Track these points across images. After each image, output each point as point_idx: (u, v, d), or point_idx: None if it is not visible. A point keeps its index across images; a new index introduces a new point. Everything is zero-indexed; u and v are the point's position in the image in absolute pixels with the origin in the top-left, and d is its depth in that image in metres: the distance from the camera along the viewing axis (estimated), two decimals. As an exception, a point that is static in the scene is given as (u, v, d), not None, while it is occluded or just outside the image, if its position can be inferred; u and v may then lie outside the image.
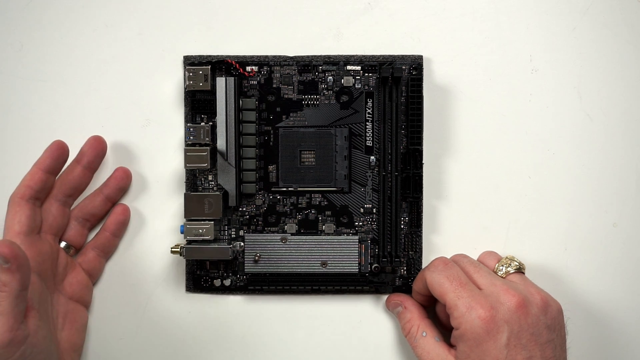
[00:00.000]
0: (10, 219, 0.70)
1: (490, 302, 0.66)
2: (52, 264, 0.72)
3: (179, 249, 0.73)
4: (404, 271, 0.76)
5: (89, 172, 0.74)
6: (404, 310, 0.73)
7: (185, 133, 0.74)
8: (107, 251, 0.76)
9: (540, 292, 0.68)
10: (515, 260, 0.72)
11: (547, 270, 0.77)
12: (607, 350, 0.77)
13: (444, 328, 0.73)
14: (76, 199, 0.75)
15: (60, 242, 0.74)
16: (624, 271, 0.77)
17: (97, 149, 0.75)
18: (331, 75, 0.75)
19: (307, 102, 0.75)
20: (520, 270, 0.72)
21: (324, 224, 0.76)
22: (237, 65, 0.75)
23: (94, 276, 0.76)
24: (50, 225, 0.72)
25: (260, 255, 0.75)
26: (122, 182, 0.75)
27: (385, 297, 0.77)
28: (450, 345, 0.69)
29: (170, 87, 0.76)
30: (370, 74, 0.75)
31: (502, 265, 0.72)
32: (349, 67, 0.75)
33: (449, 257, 0.73)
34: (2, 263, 0.61)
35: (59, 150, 0.72)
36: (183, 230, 0.73)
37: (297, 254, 0.75)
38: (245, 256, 0.75)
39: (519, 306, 0.66)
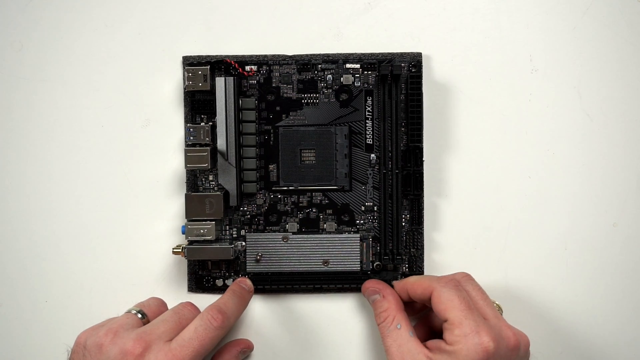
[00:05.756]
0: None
1: (495, 334, 0.65)
2: None
3: (180, 250, 0.73)
4: (405, 268, 0.76)
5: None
6: (381, 299, 0.72)
7: (185, 133, 0.74)
8: None
9: (523, 334, 0.69)
10: (494, 303, 0.72)
11: (547, 270, 0.77)
12: (607, 350, 0.77)
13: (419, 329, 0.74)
14: None
15: None
16: (624, 271, 0.77)
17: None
18: (330, 73, 0.75)
19: (307, 101, 0.75)
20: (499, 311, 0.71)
21: (325, 223, 0.76)
22: (237, 65, 0.75)
23: None
24: None
25: (261, 254, 0.75)
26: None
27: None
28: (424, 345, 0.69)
29: (170, 87, 0.76)
30: (370, 72, 0.75)
31: None
32: (348, 66, 0.75)
33: (453, 272, 0.72)
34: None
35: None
36: (184, 231, 0.73)
37: (298, 252, 0.75)
38: (247, 256, 0.75)
39: (515, 347, 0.66)
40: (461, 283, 0.69)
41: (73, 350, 0.67)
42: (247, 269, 0.75)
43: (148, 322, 0.70)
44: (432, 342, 0.68)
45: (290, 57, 0.75)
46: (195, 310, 0.71)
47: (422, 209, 0.75)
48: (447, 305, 0.66)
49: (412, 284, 0.72)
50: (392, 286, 0.74)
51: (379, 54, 0.75)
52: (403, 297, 0.73)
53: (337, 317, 0.77)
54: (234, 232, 0.76)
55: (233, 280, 0.76)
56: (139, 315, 0.70)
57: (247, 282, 0.74)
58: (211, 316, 0.68)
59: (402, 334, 0.68)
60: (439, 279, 0.70)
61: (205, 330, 0.67)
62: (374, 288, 0.73)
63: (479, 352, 0.64)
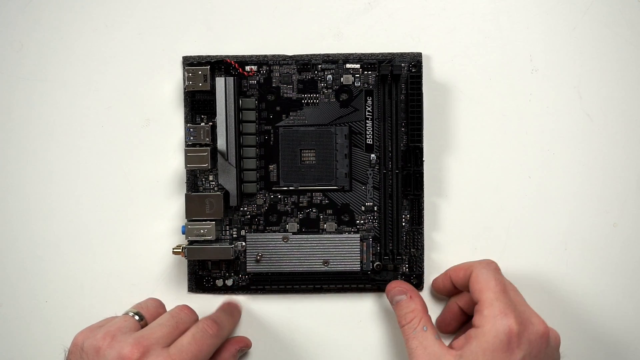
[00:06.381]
0: None
1: (523, 318, 0.66)
2: None
3: (180, 250, 0.73)
4: (405, 269, 0.76)
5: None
6: (408, 299, 0.72)
7: (185, 133, 0.74)
8: None
9: (553, 329, 0.69)
10: None
11: (547, 270, 0.77)
12: (607, 350, 0.77)
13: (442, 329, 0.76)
14: None
15: None
16: (624, 271, 0.77)
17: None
18: (330, 73, 0.75)
19: (307, 101, 0.75)
20: None
21: (325, 223, 0.76)
22: (237, 65, 0.75)
23: None
24: None
25: (261, 254, 0.75)
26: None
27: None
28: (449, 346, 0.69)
29: (170, 87, 0.76)
30: (370, 72, 0.75)
31: None
32: (348, 66, 0.75)
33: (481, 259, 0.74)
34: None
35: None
36: (184, 231, 0.73)
37: (298, 253, 0.75)
38: (247, 256, 0.75)
39: (544, 334, 0.67)
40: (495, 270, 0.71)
41: (70, 351, 0.67)
42: (247, 269, 0.75)
43: (146, 324, 0.69)
44: (456, 342, 0.68)
45: (290, 57, 0.75)
46: (192, 313, 0.71)
47: (422, 209, 0.75)
48: (483, 286, 0.68)
49: (453, 270, 0.74)
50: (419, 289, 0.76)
51: (379, 54, 0.75)
52: (448, 287, 0.74)
53: (337, 317, 0.77)
54: (234, 232, 0.76)
55: (233, 281, 0.76)
56: (137, 317, 0.70)
57: (232, 303, 0.77)
58: (207, 325, 0.68)
59: (429, 337, 0.68)
60: (479, 261, 0.72)
61: (203, 337, 0.67)
62: (401, 288, 0.73)
63: (505, 333, 0.64)
